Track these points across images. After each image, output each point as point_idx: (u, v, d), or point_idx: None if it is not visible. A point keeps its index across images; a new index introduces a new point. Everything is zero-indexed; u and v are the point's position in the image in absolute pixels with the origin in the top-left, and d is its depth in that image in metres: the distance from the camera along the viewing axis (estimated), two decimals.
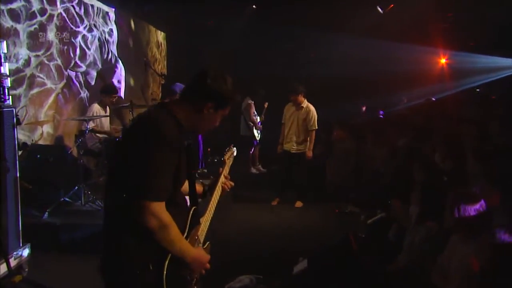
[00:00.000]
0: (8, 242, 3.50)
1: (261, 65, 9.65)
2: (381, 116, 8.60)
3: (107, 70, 7.02)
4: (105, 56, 6.96)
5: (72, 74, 6.04)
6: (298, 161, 6.09)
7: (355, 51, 9.25)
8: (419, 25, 8.90)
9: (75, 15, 6.05)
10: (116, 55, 7.30)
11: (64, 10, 5.78)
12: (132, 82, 7.98)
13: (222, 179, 2.25)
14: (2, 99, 3.40)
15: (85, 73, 6.38)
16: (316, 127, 6.10)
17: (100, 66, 6.76)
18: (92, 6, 6.58)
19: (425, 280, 2.67)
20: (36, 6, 5.17)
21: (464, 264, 2.37)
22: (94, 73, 6.61)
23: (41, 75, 5.28)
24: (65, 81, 5.77)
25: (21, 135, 4.74)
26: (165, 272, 1.68)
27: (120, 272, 1.73)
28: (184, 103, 1.86)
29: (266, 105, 8.66)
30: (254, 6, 8.25)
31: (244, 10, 8.59)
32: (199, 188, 2.18)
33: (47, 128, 5.34)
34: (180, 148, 1.77)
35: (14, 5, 4.81)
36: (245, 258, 4.30)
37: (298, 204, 6.12)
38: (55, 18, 5.56)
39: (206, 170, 6.83)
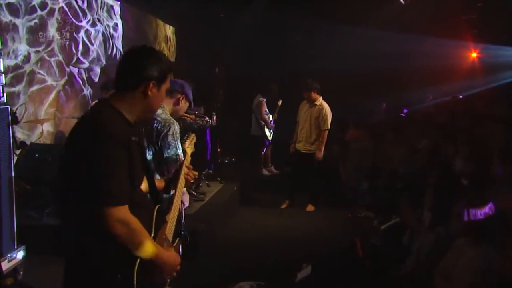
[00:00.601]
0: (2, 244, 3.62)
1: (274, 61, 9.66)
2: (403, 115, 8.50)
3: (112, 66, 7.14)
4: (110, 51, 7.09)
5: (75, 70, 6.18)
6: (308, 162, 6.09)
7: (376, 45, 9.15)
8: (445, 17, 8.75)
9: (78, 9, 6.18)
10: (121, 50, 7.42)
11: (66, 4, 5.91)
12: None
13: (184, 170, 2.25)
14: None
15: (89, 70, 6.51)
16: (328, 127, 6.09)
17: (104, 62, 6.89)
18: None
19: (430, 284, 2.65)
20: (36, 0, 5.31)
21: (470, 268, 2.35)
22: (98, 70, 6.75)
23: (41, 72, 5.42)
24: (66, 77, 5.91)
25: (20, 133, 4.88)
26: (135, 280, 1.67)
27: (85, 285, 1.73)
28: (124, 96, 1.82)
29: (279, 103, 8.66)
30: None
31: (256, 3, 8.61)
32: (160, 184, 2.21)
33: (47, 127, 5.48)
34: (130, 145, 1.74)
35: None
36: (249, 263, 4.33)
37: (309, 208, 6.11)
38: (56, 12, 5.69)
39: (212, 171, 6.86)
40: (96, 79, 6.65)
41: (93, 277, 1.70)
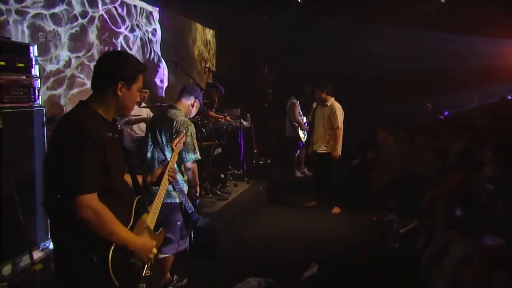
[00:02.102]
0: (36, 235, 4.00)
1: (311, 63, 9.69)
2: (442, 117, 8.27)
3: (150, 69, 7.53)
4: (148, 55, 7.48)
5: None
6: (326, 162, 6.18)
7: (418, 45, 8.97)
8: (491, 13, 8.41)
9: (117, 16, 6.59)
10: (159, 54, 7.80)
11: (106, 12, 6.33)
12: (175, 81, 8.45)
13: (169, 168, 2.43)
14: (32, 99, 3.88)
15: None
16: (339, 126, 6.28)
17: None
18: (135, 6, 7.12)
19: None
20: (77, 10, 5.73)
21: (456, 263, 2.36)
22: None
23: (81, 76, 5.84)
24: None
25: None
26: (110, 262, 1.85)
27: (67, 266, 1.94)
28: (99, 96, 2.06)
29: (314, 105, 8.69)
30: (299, 0, 8.35)
31: (290, 6, 8.73)
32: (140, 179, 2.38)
33: None
34: (104, 140, 1.94)
35: (56, 10, 5.38)
36: (265, 261, 4.46)
37: (336, 210, 6.15)
38: (96, 20, 6.11)
39: (239, 172, 7.02)
40: None
41: (73, 260, 1.91)
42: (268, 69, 10.78)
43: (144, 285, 2.05)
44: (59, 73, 5.44)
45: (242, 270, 4.01)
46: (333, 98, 6.47)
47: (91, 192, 1.86)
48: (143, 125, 5.92)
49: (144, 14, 7.42)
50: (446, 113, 8.75)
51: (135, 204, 2.10)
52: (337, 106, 6.36)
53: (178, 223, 3.37)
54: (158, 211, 2.26)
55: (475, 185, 4.53)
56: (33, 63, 3.89)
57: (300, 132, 8.30)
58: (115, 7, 6.54)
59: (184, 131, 3.22)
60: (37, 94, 3.93)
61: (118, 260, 1.89)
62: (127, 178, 2.24)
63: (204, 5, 8.86)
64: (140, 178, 2.37)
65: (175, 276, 3.77)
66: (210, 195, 5.49)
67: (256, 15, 9.81)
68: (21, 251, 3.71)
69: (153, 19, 7.72)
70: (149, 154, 3.52)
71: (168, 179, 2.41)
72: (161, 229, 2.30)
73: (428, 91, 9.61)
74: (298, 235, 5.33)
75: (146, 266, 2.09)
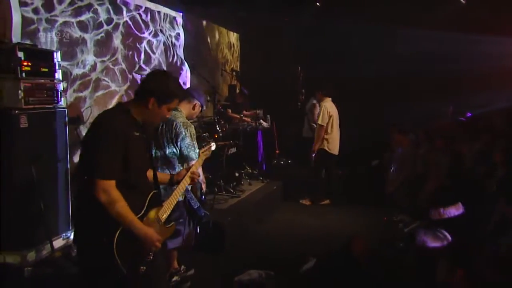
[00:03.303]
0: (58, 225, 4.36)
1: (334, 64, 9.76)
2: (463, 119, 8.21)
3: (173, 72, 7.85)
4: (170, 59, 7.81)
5: (138, 77, 6.94)
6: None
7: (439, 46, 8.91)
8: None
9: (141, 22, 6.95)
10: (183, 57, 8.12)
11: (130, 18, 6.70)
12: (198, 83, 8.77)
13: (192, 170, 2.70)
14: (56, 101, 4.24)
15: None
16: (320, 123, 6.91)
17: (165, 69, 7.62)
18: (159, 12, 7.46)
19: None
20: (103, 17, 6.11)
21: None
22: None
23: (106, 79, 6.22)
24: (129, 83, 6.68)
25: (85, 132, 5.69)
26: (115, 242, 2.13)
27: (81, 238, 2.28)
28: (137, 101, 2.39)
29: None
30: (318, 4, 8.48)
31: (308, 9, 8.87)
32: (165, 176, 2.68)
33: None
34: (129, 137, 2.25)
35: (83, 17, 5.77)
36: (272, 256, 4.65)
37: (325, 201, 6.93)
38: (120, 26, 6.48)
39: (255, 171, 7.22)
40: None
41: (86, 238, 2.24)
42: (300, 69, 10.94)
43: (145, 268, 2.30)
44: (85, 77, 5.82)
45: (247, 263, 4.21)
46: (329, 99, 6.97)
47: (109, 179, 2.17)
48: None
49: (168, 20, 7.76)
50: (468, 114, 8.67)
51: (149, 196, 2.39)
52: (325, 105, 6.87)
53: (181, 220, 3.61)
54: (173, 206, 2.53)
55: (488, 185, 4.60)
56: (57, 68, 4.27)
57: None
58: (139, 14, 6.90)
59: (185, 132, 3.49)
60: (59, 96, 4.29)
61: (123, 243, 2.17)
62: (149, 173, 2.53)
63: (228, 10, 9.11)
64: (167, 176, 2.67)
65: (182, 266, 4.02)
66: (224, 192, 5.73)
67: (278, 17, 9.97)
68: (44, 239, 4.07)
69: (177, 24, 8.06)
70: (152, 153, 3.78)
71: (189, 179, 2.69)
72: (172, 223, 2.56)
73: (451, 92, 9.50)
74: (308, 232, 5.49)
75: (149, 253, 2.33)
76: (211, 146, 3.12)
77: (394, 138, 6.55)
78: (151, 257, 2.34)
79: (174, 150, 3.58)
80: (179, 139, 3.57)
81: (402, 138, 6.37)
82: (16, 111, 3.76)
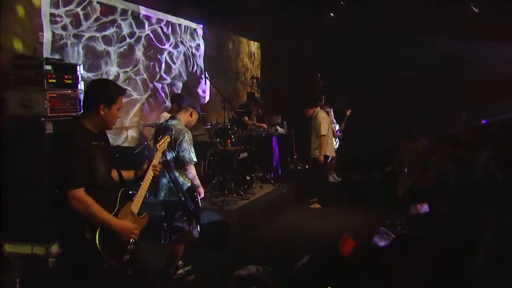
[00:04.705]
0: None
1: (352, 71, 9.96)
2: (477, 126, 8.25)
3: (193, 81, 8.31)
4: (191, 68, 8.25)
5: (159, 86, 7.41)
6: None
7: (452, 54, 8.98)
8: None
9: (162, 34, 7.43)
10: (202, 67, 8.55)
11: (152, 31, 7.18)
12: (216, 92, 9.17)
13: (152, 165, 3.01)
14: (78, 109, 4.70)
15: (171, 84, 7.73)
16: (323, 133, 7.32)
17: (185, 77, 8.07)
18: (180, 25, 7.93)
19: None
20: (126, 31, 6.60)
21: None
22: (180, 84, 7.95)
23: (128, 88, 6.69)
24: (150, 92, 7.15)
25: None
26: (97, 238, 2.48)
27: (65, 242, 2.64)
28: (87, 113, 2.70)
29: (348, 112, 9.05)
30: (332, 14, 8.74)
31: (324, 18, 9.14)
32: (129, 174, 3.00)
33: (131, 132, 6.73)
34: (89, 148, 2.57)
35: (107, 32, 6.27)
36: (274, 254, 4.93)
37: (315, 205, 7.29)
38: (142, 39, 6.97)
39: (268, 175, 7.53)
40: (178, 92, 7.84)
41: (70, 240, 2.59)
42: (320, 75, 11.22)
43: (128, 256, 2.66)
44: None
45: (249, 260, 4.50)
46: (320, 110, 7.67)
47: (78, 187, 2.49)
48: None
49: (189, 31, 8.21)
50: (483, 121, 8.69)
51: (119, 194, 2.74)
52: (322, 116, 7.49)
53: (180, 218, 3.98)
54: (142, 199, 2.85)
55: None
56: (79, 79, 4.72)
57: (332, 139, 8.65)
58: (160, 27, 7.38)
59: (181, 138, 3.85)
60: (81, 105, 4.74)
61: (105, 237, 2.53)
62: (114, 174, 2.87)
63: (249, 20, 9.44)
64: (131, 173, 3.01)
65: (180, 262, 4.35)
66: (234, 194, 6.07)
67: (297, 27, 10.26)
68: None
69: (197, 35, 8.50)
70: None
71: (152, 170, 2.98)
72: (145, 213, 2.90)
73: (467, 99, 9.52)
74: (311, 233, 5.74)
75: (130, 242, 2.68)
76: (166, 139, 3.37)
77: (401, 143, 6.71)
78: (132, 247, 2.69)
79: (174, 154, 3.95)
80: (177, 143, 3.94)
81: (409, 144, 6.52)
82: (43, 119, 4.23)
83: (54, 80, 4.38)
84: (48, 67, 4.41)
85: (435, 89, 9.50)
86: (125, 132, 6.54)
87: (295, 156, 9.74)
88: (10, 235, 4.33)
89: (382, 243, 3.96)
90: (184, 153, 3.90)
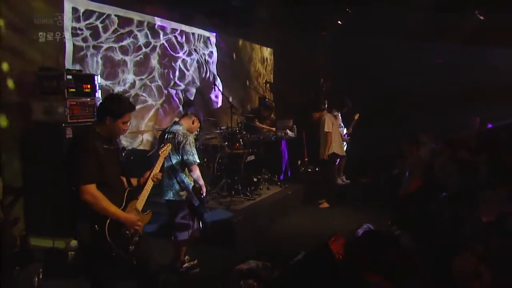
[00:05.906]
0: None
1: (360, 77, 10.20)
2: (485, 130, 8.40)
3: (206, 87, 8.70)
4: (204, 75, 8.65)
5: (173, 92, 7.83)
6: None
7: (461, 59, 9.14)
8: None
9: (176, 43, 7.85)
10: (215, 73, 8.93)
11: (166, 41, 7.60)
12: (230, 97, 9.54)
13: (154, 171, 3.38)
14: (95, 116, 5.13)
15: (185, 90, 8.14)
16: (327, 130, 7.65)
17: (198, 84, 8.47)
18: (193, 34, 8.34)
19: None
20: (141, 41, 7.04)
21: None
22: (193, 90, 8.35)
23: (143, 94, 7.13)
24: (164, 98, 7.57)
25: (124, 141, 6.60)
26: (106, 229, 2.88)
27: (80, 233, 3.02)
28: (98, 121, 3.13)
29: (356, 116, 9.29)
30: (339, 22, 9.00)
31: (331, 25, 9.41)
32: (133, 181, 3.35)
33: (146, 136, 7.16)
34: (99, 149, 2.95)
35: (124, 42, 6.72)
36: (276, 252, 5.23)
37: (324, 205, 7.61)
38: (157, 48, 7.40)
39: (276, 177, 7.84)
40: (192, 98, 8.25)
41: (83, 227, 2.97)
42: (323, 80, 11.50)
43: (133, 247, 3.05)
44: (125, 93, 6.73)
45: (250, 256, 4.81)
46: (325, 112, 7.99)
47: (90, 183, 2.89)
48: None
49: (202, 40, 8.61)
50: (490, 125, 8.82)
51: (126, 193, 3.14)
52: (326, 116, 7.84)
53: (185, 215, 4.35)
54: (146, 198, 3.25)
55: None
56: (97, 88, 5.15)
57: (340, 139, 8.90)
58: (175, 36, 7.80)
59: (184, 141, 4.22)
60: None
61: (113, 230, 2.93)
62: (123, 178, 3.27)
63: (261, 28, 9.77)
64: (135, 180, 3.40)
65: (187, 257, 4.72)
66: (241, 195, 6.42)
67: (308, 33, 10.55)
68: None
69: (210, 43, 8.90)
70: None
71: (152, 179, 3.35)
72: (148, 211, 3.28)
73: (480, 104, 9.62)
74: (314, 231, 6.01)
75: (135, 234, 3.07)
76: (168, 147, 3.68)
77: (404, 149, 6.94)
78: (137, 239, 3.08)
79: (178, 158, 4.32)
80: (180, 147, 4.30)
81: (410, 148, 6.74)
82: (63, 124, 4.66)
83: (74, 90, 4.82)
84: (69, 77, 4.86)
85: (448, 92, 9.63)
86: (140, 136, 6.96)
87: (306, 159, 10.04)
88: (34, 229, 4.80)
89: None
90: (188, 156, 4.27)
